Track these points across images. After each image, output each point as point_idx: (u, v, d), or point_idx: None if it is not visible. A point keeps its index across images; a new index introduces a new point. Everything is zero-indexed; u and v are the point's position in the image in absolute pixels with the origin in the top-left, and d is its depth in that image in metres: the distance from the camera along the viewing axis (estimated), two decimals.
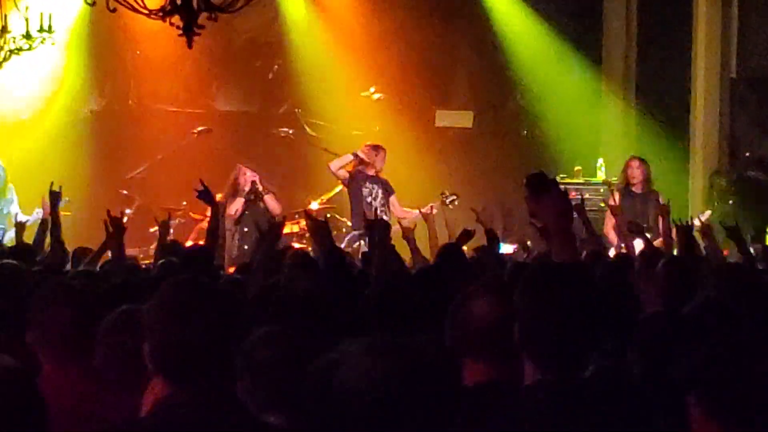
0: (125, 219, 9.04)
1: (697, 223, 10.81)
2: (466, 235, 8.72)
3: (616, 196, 12.68)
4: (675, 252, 8.64)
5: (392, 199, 12.85)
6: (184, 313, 3.34)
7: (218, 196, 12.04)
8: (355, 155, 12.73)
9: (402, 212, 12.75)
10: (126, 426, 3.48)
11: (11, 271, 6.35)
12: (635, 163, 12.85)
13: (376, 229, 7.62)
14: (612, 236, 11.81)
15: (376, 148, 12.88)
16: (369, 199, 12.65)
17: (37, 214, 11.76)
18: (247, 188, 12.66)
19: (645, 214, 12.32)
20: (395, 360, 2.42)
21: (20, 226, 9.93)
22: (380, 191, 12.77)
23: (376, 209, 12.27)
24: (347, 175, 12.78)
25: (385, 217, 11.92)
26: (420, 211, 11.71)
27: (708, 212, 12.28)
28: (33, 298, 4.36)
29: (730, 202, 13.45)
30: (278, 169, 13.79)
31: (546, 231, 8.48)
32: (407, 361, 2.44)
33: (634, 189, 12.70)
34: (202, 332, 3.31)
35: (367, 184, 12.74)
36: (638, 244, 10.09)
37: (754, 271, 7.22)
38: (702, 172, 14.17)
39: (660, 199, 12.20)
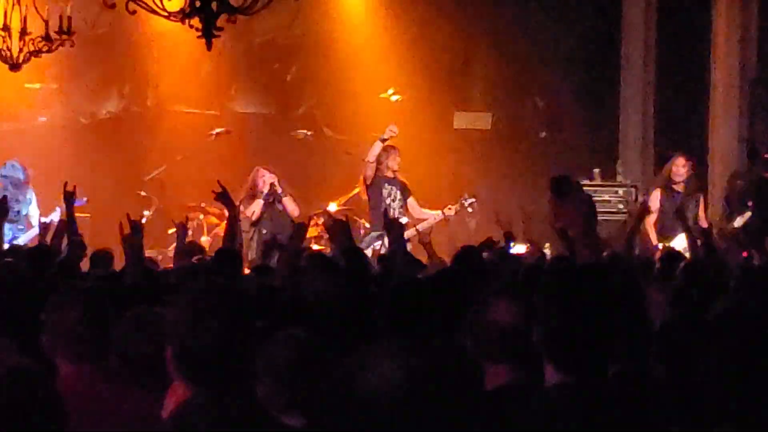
0: (144, 220, 9.05)
1: (737, 224, 10.74)
2: (489, 243, 8.68)
3: (657, 194, 12.42)
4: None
5: (410, 200, 12.81)
6: (204, 318, 3.37)
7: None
8: (383, 140, 12.59)
9: (421, 213, 12.71)
10: (149, 428, 3.49)
11: (11, 271, 6.38)
12: (681, 161, 12.56)
13: (394, 229, 7.63)
14: (653, 234, 11.79)
15: (386, 148, 12.81)
16: (388, 201, 12.60)
17: (56, 213, 11.81)
18: (265, 190, 12.64)
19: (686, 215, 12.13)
20: (417, 363, 2.41)
21: (44, 228, 9.94)
22: (398, 192, 12.73)
23: (390, 210, 12.22)
24: (373, 174, 12.71)
25: (403, 219, 11.91)
26: (442, 212, 11.71)
27: (748, 213, 12.13)
28: (48, 301, 4.36)
29: (749, 203, 13.36)
30: (296, 170, 13.77)
31: (564, 233, 8.50)
32: (429, 364, 2.43)
33: (675, 187, 12.48)
34: (222, 337, 3.33)
35: (386, 185, 12.70)
36: (680, 242, 10.06)
37: None
38: (720, 174, 14.11)
39: (701, 202, 12.04)
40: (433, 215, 12.53)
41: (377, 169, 12.69)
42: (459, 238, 12.39)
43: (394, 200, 12.68)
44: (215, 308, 3.39)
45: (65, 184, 8.61)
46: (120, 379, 4.15)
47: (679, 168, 12.49)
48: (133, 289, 5.76)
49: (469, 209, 12.62)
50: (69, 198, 8.51)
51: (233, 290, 3.65)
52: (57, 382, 3.79)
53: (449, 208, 12.45)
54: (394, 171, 12.75)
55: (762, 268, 7.22)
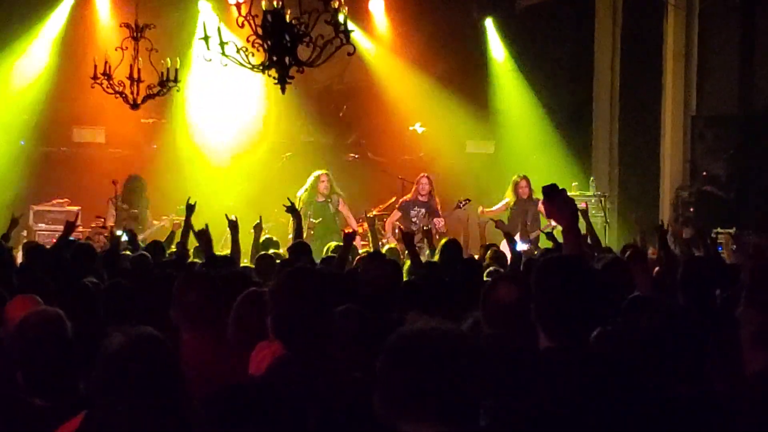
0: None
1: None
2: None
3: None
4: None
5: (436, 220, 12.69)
6: (296, 293, 3.39)
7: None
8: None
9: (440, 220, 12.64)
10: (251, 380, 3.50)
11: (144, 262, 6.42)
12: (524, 182, 12.81)
13: (408, 239, 7.71)
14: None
15: (417, 180, 12.75)
16: (414, 219, 12.54)
17: (164, 221, 11.91)
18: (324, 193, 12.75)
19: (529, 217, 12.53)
20: (449, 331, 2.50)
21: (171, 235, 10.03)
22: (423, 210, 12.58)
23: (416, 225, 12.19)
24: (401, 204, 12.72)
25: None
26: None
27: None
28: (175, 284, 4.39)
29: (691, 209, 13.33)
30: (346, 185, 13.78)
31: (550, 234, 8.54)
32: (455, 335, 2.51)
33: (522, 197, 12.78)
34: (307, 308, 3.37)
35: (415, 208, 12.60)
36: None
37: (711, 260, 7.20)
38: (669, 187, 14.09)
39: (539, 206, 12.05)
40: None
41: (413, 195, 12.61)
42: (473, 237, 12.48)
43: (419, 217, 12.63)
44: (302, 286, 3.41)
45: (188, 199, 8.63)
46: (230, 343, 4.15)
47: (523, 188, 12.75)
48: (232, 274, 5.80)
49: (464, 209, 12.31)
50: (190, 208, 8.56)
51: (317, 272, 3.66)
52: (182, 346, 3.83)
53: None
54: (422, 195, 12.62)
55: (701, 259, 7.18)
